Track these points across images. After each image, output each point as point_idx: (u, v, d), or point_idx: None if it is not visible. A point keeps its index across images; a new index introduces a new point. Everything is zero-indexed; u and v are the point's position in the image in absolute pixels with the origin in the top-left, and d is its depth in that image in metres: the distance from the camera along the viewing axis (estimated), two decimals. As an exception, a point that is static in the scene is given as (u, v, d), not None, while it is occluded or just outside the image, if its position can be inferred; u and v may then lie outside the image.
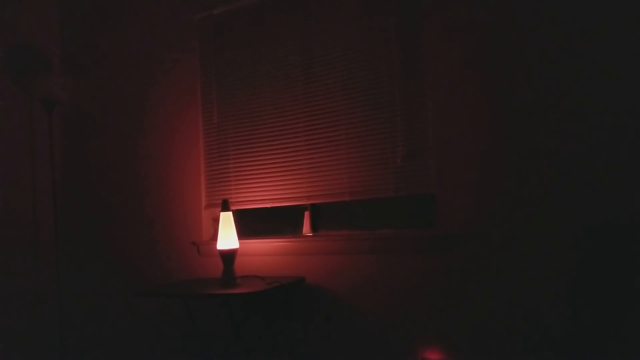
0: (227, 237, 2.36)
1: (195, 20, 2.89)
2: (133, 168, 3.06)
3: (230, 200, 2.65)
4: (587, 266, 1.94)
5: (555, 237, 2.00)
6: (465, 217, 2.17)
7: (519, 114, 2.08)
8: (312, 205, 2.64)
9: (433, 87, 2.25)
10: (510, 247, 2.08)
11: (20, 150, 3.06)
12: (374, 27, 2.41)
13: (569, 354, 1.96)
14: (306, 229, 2.66)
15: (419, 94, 2.30)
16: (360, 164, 2.41)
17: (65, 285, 3.14)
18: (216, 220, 2.78)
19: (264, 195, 2.66)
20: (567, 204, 1.98)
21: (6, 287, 2.92)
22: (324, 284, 2.47)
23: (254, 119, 2.71)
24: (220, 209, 2.43)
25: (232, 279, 2.33)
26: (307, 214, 2.66)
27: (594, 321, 1.92)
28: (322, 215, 2.66)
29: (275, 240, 2.61)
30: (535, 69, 2.05)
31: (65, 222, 3.24)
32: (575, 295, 1.96)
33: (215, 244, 2.41)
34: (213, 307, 2.73)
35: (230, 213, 2.41)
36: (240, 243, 2.46)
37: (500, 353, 2.08)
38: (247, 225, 2.83)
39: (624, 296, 1.88)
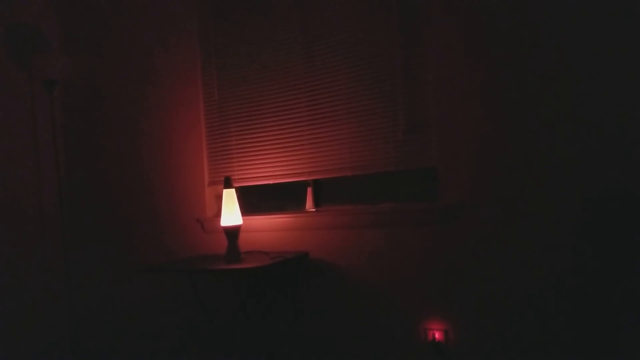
0: (231, 213, 2.38)
1: (194, -4, 2.86)
2: (135, 146, 3.07)
3: (233, 177, 2.66)
4: (591, 237, 1.95)
5: (557, 208, 2.01)
6: (466, 189, 2.18)
7: (521, 86, 2.06)
8: (315, 181, 2.65)
9: (434, 61, 2.24)
10: (512, 218, 2.09)
11: (23, 130, 3.07)
12: (374, 2, 2.38)
13: (572, 326, 1.99)
14: (309, 204, 2.68)
15: (419, 68, 2.29)
16: (361, 139, 2.42)
17: (72, 265, 3.19)
18: (220, 197, 2.80)
19: (267, 171, 2.67)
20: (570, 175, 1.98)
21: (12, 266, 2.97)
22: (327, 259, 2.50)
23: (254, 95, 2.70)
24: (223, 186, 2.45)
25: (236, 254, 2.35)
26: (309, 190, 2.67)
27: (599, 294, 1.94)
28: (324, 191, 2.67)
29: (279, 216, 2.63)
30: (538, 41, 2.03)
31: (69, 201, 3.27)
32: (579, 266, 1.98)
33: (219, 221, 2.43)
34: (218, 282, 2.78)
35: (233, 190, 2.42)
36: (243, 219, 2.49)
37: (503, 324, 2.12)
38: (250, 201, 2.85)
39: (630, 267, 1.89)
